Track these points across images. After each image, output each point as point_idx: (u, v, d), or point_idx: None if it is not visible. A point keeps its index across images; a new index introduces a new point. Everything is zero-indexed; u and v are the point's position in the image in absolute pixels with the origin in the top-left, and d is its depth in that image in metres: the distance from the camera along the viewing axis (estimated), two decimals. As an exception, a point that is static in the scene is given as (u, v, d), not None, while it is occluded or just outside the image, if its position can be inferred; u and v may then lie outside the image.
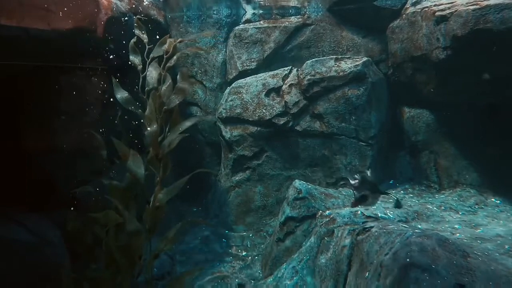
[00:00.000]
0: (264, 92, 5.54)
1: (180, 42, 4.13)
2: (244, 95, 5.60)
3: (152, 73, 3.85)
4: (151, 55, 3.97)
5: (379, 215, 4.13)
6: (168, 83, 3.84)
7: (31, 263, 3.11)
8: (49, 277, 3.15)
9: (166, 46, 3.98)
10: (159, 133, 3.68)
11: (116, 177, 3.64)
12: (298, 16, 6.29)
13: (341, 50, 6.04)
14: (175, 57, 4.00)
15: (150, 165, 3.54)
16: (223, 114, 5.62)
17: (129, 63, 4.05)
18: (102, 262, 3.27)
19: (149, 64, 3.93)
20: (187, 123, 3.72)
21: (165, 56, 3.97)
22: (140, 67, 3.93)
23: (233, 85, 5.82)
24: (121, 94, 3.81)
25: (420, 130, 5.49)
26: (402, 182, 5.52)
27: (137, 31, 4.09)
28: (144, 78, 3.88)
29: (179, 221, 3.98)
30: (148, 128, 3.63)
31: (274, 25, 6.20)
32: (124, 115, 3.99)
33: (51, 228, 3.39)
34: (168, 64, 3.95)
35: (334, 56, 5.58)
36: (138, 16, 4.17)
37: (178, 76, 3.95)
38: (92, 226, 3.28)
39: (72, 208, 3.45)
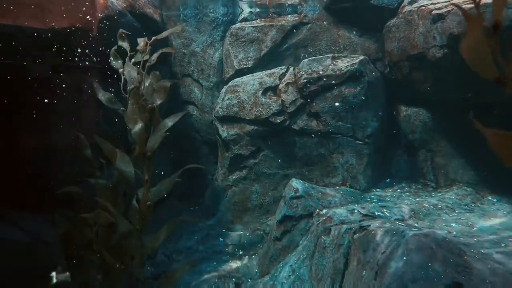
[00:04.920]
0: (261, 91, 5.53)
1: (153, 42, 4.13)
2: (240, 94, 5.58)
3: (130, 73, 3.87)
4: (129, 57, 4.01)
5: (376, 213, 4.13)
6: (148, 82, 3.85)
7: (25, 263, 3.09)
8: (43, 277, 3.13)
9: (141, 45, 4.00)
10: (146, 132, 3.68)
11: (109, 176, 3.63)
12: (295, 15, 6.28)
13: (337, 48, 6.04)
14: (153, 57, 4.02)
15: (136, 164, 3.54)
16: (220, 113, 5.60)
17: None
18: (95, 262, 3.26)
19: (125, 64, 3.96)
20: (169, 122, 3.72)
21: (142, 57, 3.99)
22: (121, 70, 3.97)
23: (229, 84, 5.81)
24: (103, 95, 3.83)
25: (416, 129, 5.50)
26: (399, 180, 5.52)
27: (120, 42, 4.13)
28: (126, 79, 3.92)
29: (176, 221, 3.98)
30: (132, 127, 3.62)
31: (270, 23, 6.19)
32: (113, 114, 3.99)
33: (45, 227, 3.37)
34: (147, 64, 3.97)
35: (331, 55, 5.58)
36: (121, 30, 4.18)
37: (150, 77, 3.97)
38: (84, 227, 3.27)
39: (66, 208, 3.43)
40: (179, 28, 5.53)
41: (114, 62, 3.99)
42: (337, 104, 5.25)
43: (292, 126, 5.40)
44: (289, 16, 6.30)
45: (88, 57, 4.22)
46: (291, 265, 4.16)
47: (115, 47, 4.09)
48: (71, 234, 3.28)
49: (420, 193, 5.15)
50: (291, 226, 4.57)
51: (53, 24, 3.81)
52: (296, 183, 4.79)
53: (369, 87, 5.31)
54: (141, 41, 4.08)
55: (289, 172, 5.47)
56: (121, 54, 4.17)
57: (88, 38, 4.18)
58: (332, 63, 5.40)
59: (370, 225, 3.52)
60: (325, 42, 6.08)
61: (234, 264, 4.99)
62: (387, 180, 5.54)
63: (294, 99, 5.40)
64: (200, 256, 5.16)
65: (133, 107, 3.68)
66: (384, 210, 4.24)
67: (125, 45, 4.10)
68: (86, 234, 3.28)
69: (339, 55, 5.66)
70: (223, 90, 5.84)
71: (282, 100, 5.42)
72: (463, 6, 4.32)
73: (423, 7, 4.94)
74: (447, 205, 4.60)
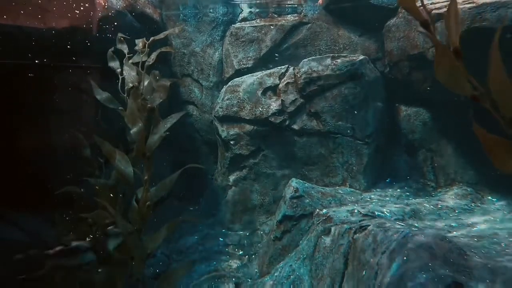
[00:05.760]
0: (260, 91, 5.52)
1: (151, 42, 4.14)
2: (240, 93, 5.58)
3: (129, 73, 3.87)
4: (128, 57, 4.02)
5: (376, 213, 4.13)
6: (147, 82, 3.85)
7: (24, 263, 3.09)
8: (43, 277, 3.12)
9: (140, 45, 4.00)
10: (145, 131, 3.67)
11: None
12: (295, 15, 6.28)
13: (337, 48, 6.04)
14: (152, 56, 4.02)
15: (136, 164, 3.53)
16: (220, 113, 5.60)
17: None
18: (94, 262, 3.26)
19: (125, 64, 3.96)
20: (169, 122, 3.72)
21: (141, 57, 3.99)
22: (119, 70, 3.98)
23: (229, 83, 5.80)
24: (101, 94, 3.83)
25: (416, 129, 5.49)
26: (398, 180, 5.52)
27: (119, 46, 4.13)
28: (123, 79, 3.92)
29: (175, 220, 3.97)
30: (132, 127, 3.62)
31: (270, 23, 6.18)
32: (112, 114, 3.99)
33: (45, 227, 3.37)
34: (147, 63, 3.97)
35: (331, 55, 5.57)
36: (120, 35, 4.19)
37: (150, 76, 3.97)
38: (84, 227, 3.27)
39: (66, 208, 3.43)
40: (177, 30, 5.53)
41: (111, 63, 3.99)
42: (336, 104, 5.24)
43: (292, 126, 5.40)
44: (289, 16, 6.30)
45: (87, 57, 4.21)
46: (291, 265, 4.16)
47: (112, 49, 4.09)
48: (71, 234, 3.28)
49: (420, 193, 5.14)
50: (291, 226, 4.57)
51: (53, 24, 3.80)
52: (296, 183, 4.79)
53: (369, 87, 5.30)
54: (139, 42, 4.08)
55: (289, 172, 5.47)
56: (121, 55, 4.17)
57: (87, 38, 4.17)
58: (332, 63, 5.39)
59: (370, 225, 3.52)
60: (324, 42, 6.08)
61: (234, 264, 4.99)
62: (387, 180, 5.53)
63: (294, 99, 5.39)
64: (200, 256, 5.16)
65: (133, 106, 3.68)
66: (384, 210, 4.23)
67: (123, 48, 4.10)
68: (86, 234, 3.28)
69: (339, 55, 5.66)
70: (223, 90, 5.84)
71: (282, 100, 5.42)
72: (459, 6, 4.33)
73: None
74: (447, 205, 4.59)
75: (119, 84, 3.92)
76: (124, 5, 4.98)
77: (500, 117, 0.88)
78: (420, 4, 1.04)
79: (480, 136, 0.88)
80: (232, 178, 5.62)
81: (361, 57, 5.45)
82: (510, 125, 0.87)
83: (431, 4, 4.85)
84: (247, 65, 6.10)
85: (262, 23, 6.21)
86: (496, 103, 0.89)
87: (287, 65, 5.71)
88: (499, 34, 0.92)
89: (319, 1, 6.03)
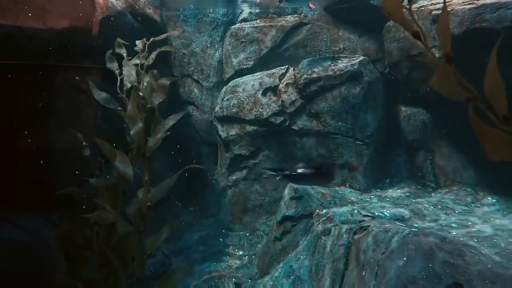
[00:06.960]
0: (260, 91, 5.53)
1: (151, 43, 4.13)
2: (240, 94, 5.59)
3: (128, 73, 3.86)
4: (127, 58, 4.01)
5: (376, 214, 4.13)
6: (147, 82, 3.84)
7: (25, 263, 3.09)
8: (43, 277, 3.13)
9: (140, 45, 3.99)
10: (145, 132, 3.66)
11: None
12: (295, 15, 6.29)
13: (337, 49, 6.04)
14: (152, 56, 4.02)
15: (135, 165, 3.53)
16: (220, 113, 5.60)
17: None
18: (95, 263, 3.26)
19: (123, 64, 3.94)
20: (169, 122, 3.71)
21: (141, 58, 3.98)
22: (117, 71, 3.97)
23: (229, 84, 5.81)
24: (100, 95, 3.82)
25: (416, 129, 5.49)
26: (398, 181, 5.52)
27: (117, 49, 4.13)
28: (122, 79, 3.90)
29: (176, 221, 3.97)
30: (132, 127, 3.61)
31: (270, 24, 6.19)
32: (112, 114, 3.98)
33: (45, 228, 3.37)
34: (146, 63, 3.96)
35: (331, 55, 5.58)
36: (119, 39, 4.19)
37: (149, 76, 3.96)
38: (84, 227, 3.26)
39: (67, 208, 3.43)
40: (177, 33, 5.53)
41: (110, 65, 3.98)
42: (336, 104, 5.25)
43: (292, 127, 5.40)
44: (289, 16, 6.30)
45: (88, 57, 4.21)
46: (291, 265, 4.16)
47: (111, 51, 4.08)
48: (71, 234, 3.28)
49: (420, 193, 5.14)
50: (291, 227, 4.57)
51: (53, 24, 3.81)
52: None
53: (369, 88, 5.31)
54: (139, 43, 4.07)
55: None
56: (120, 56, 4.17)
57: (88, 38, 4.18)
58: (332, 63, 5.40)
59: (370, 226, 3.53)
60: (324, 43, 6.09)
61: (234, 264, 4.99)
62: (387, 180, 5.54)
63: (294, 99, 5.40)
64: (200, 256, 5.16)
65: (132, 107, 3.67)
66: (384, 210, 4.23)
67: (123, 51, 4.09)
68: (86, 234, 3.28)
69: (339, 55, 5.67)
70: (223, 90, 5.84)
71: (282, 101, 5.42)
72: (459, 7, 4.34)
73: (423, 8, 4.94)
74: (447, 205, 4.60)
75: (118, 84, 3.91)
76: (125, 5, 4.98)
77: (494, 115, 0.92)
78: (409, 14, 1.07)
79: (476, 127, 0.92)
80: (232, 178, 5.63)
81: (361, 57, 5.46)
82: (504, 122, 0.90)
83: (431, 5, 4.85)
84: (247, 66, 6.10)
85: (262, 24, 6.22)
86: (490, 102, 0.94)
87: (287, 66, 5.72)
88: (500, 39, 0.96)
89: (309, 5, 6.02)
